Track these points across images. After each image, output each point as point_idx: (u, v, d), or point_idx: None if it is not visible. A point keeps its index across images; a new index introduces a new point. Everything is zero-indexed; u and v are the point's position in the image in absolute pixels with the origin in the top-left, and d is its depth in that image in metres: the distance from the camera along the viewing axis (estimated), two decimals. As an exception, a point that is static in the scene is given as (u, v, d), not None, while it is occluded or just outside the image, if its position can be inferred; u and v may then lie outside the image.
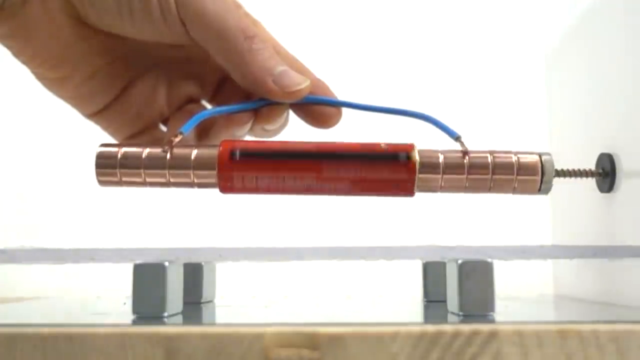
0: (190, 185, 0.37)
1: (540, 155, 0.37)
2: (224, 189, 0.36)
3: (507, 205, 0.70)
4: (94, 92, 0.38)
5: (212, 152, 0.36)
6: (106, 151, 0.37)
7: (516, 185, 0.37)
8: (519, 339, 0.29)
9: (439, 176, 0.36)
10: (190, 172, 0.36)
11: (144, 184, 0.37)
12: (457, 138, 0.36)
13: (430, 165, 0.36)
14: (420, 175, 0.36)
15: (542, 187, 0.37)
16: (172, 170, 0.36)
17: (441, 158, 0.36)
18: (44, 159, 0.74)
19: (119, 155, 0.37)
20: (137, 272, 0.34)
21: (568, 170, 0.40)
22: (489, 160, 0.37)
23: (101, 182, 0.37)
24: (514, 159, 0.37)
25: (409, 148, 0.36)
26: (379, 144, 0.36)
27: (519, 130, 0.71)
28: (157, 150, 0.36)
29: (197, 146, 0.37)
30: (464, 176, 0.36)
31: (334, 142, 0.36)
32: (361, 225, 0.70)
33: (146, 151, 0.36)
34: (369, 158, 0.35)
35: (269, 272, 0.69)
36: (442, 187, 0.37)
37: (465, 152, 0.36)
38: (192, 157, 0.36)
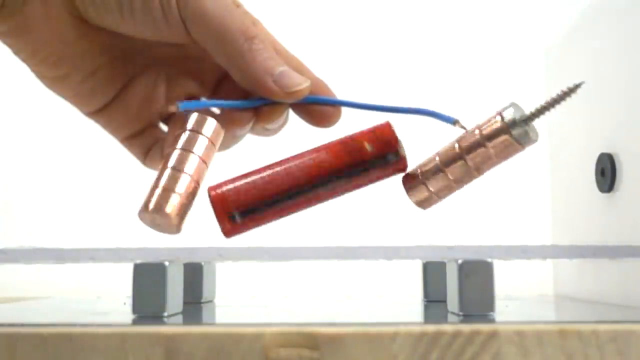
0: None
1: (500, 112, 0.34)
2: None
3: (507, 205, 0.70)
4: (94, 90, 0.38)
5: None
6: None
7: (495, 156, 0.34)
8: (519, 339, 0.29)
9: (425, 187, 0.36)
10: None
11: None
12: (454, 122, 0.36)
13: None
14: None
15: (521, 140, 0.34)
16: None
17: (418, 172, 0.36)
18: (44, 158, 0.74)
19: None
20: (137, 272, 0.34)
21: (538, 109, 0.34)
22: (456, 148, 0.35)
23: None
24: (477, 136, 0.34)
25: (393, 146, 0.35)
26: (363, 146, 0.35)
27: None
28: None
29: None
30: (446, 175, 0.35)
31: (319, 157, 0.35)
32: (361, 225, 0.70)
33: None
34: (360, 170, 0.35)
35: (269, 272, 0.69)
36: (438, 196, 0.36)
37: (437, 155, 0.35)
38: None
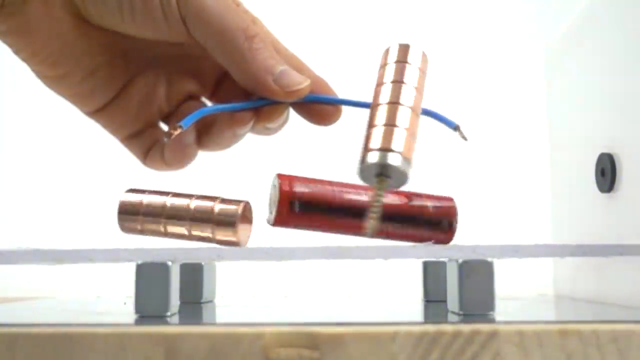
0: (210, 240, 0.38)
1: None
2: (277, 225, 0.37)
3: (507, 205, 0.70)
4: (94, 89, 0.38)
5: (232, 208, 0.38)
6: (128, 201, 0.40)
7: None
8: (519, 339, 0.29)
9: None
10: (210, 227, 0.38)
11: (165, 234, 0.39)
12: (455, 128, 0.36)
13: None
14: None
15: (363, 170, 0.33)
16: (193, 222, 0.38)
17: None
18: (44, 158, 0.74)
19: (143, 204, 0.39)
20: (140, 272, 0.34)
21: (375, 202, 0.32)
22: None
23: (123, 229, 0.40)
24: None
25: (452, 215, 0.39)
26: (426, 207, 0.38)
27: (519, 130, 0.71)
28: (180, 202, 0.38)
29: (220, 200, 0.38)
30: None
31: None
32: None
33: (169, 202, 0.38)
34: (415, 222, 0.38)
35: (269, 272, 0.69)
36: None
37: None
38: (215, 212, 0.38)
